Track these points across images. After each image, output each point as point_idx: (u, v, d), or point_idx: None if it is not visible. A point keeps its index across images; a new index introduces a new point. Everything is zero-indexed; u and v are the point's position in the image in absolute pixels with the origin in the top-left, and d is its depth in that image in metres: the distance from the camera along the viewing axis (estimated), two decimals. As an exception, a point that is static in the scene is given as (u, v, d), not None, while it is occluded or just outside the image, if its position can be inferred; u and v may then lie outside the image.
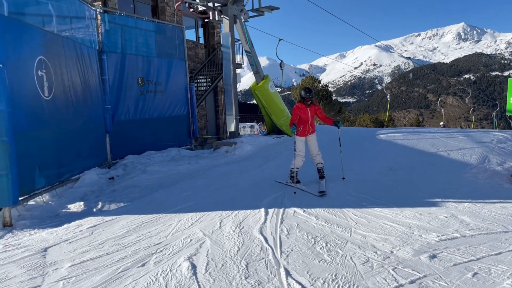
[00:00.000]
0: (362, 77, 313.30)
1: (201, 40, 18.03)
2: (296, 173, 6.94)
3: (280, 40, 17.90)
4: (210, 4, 11.19)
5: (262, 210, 5.60)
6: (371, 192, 6.35)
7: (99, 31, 10.21)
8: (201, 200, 6.35)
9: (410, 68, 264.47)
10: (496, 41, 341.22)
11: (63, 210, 6.68)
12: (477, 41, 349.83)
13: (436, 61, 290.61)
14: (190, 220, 5.37)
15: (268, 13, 11.58)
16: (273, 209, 5.64)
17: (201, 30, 18.09)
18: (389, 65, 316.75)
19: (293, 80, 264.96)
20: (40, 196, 6.89)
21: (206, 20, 13.39)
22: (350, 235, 4.60)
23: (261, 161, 9.06)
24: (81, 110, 8.69)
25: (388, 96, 27.72)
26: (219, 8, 11.02)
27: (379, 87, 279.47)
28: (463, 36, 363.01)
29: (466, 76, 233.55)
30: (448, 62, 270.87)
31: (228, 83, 10.85)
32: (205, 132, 17.53)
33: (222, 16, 11.12)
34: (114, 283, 3.66)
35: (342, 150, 7.49)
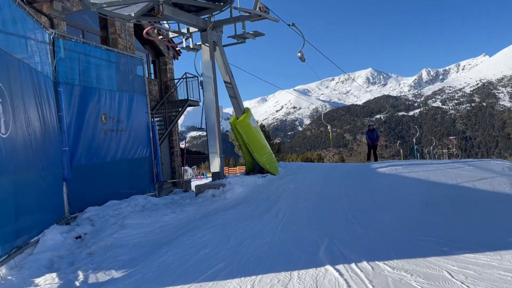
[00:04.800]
0: (284, 119, 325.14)
1: (152, 76, 16.53)
2: None
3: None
4: (184, 30, 9.98)
5: (329, 267, 4.31)
6: (436, 233, 5.34)
7: (53, 59, 8.50)
8: (233, 259, 4.87)
9: (327, 110, 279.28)
10: (400, 84, 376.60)
11: (32, 288, 4.80)
12: (384, 85, 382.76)
13: (350, 103, 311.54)
14: (242, 291, 3.92)
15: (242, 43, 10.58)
16: (341, 265, 4.37)
17: (151, 66, 16.62)
18: (308, 107, 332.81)
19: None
20: (-4, 271, 4.94)
21: (177, 49, 12.19)
22: (478, 295, 3.50)
23: (265, 204, 7.72)
24: (40, 153, 6.85)
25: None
26: (189, 35, 9.81)
27: (300, 129, 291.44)
28: (371, 80, 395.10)
29: (378, 116, 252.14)
30: (360, 103, 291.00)
31: (210, 117, 9.51)
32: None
33: (198, 44, 9.91)
34: None
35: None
